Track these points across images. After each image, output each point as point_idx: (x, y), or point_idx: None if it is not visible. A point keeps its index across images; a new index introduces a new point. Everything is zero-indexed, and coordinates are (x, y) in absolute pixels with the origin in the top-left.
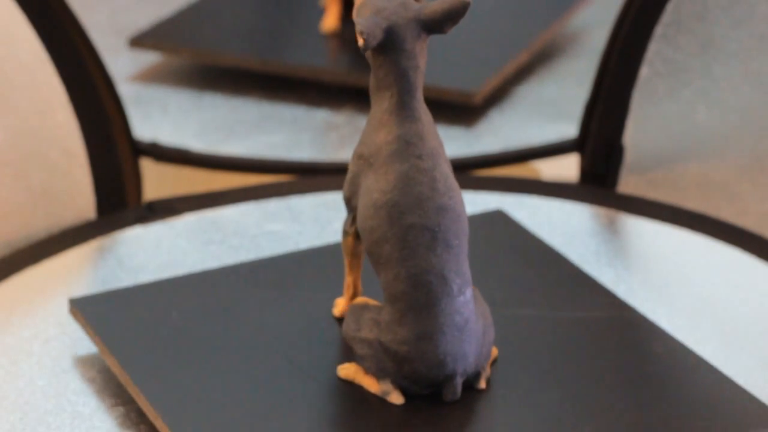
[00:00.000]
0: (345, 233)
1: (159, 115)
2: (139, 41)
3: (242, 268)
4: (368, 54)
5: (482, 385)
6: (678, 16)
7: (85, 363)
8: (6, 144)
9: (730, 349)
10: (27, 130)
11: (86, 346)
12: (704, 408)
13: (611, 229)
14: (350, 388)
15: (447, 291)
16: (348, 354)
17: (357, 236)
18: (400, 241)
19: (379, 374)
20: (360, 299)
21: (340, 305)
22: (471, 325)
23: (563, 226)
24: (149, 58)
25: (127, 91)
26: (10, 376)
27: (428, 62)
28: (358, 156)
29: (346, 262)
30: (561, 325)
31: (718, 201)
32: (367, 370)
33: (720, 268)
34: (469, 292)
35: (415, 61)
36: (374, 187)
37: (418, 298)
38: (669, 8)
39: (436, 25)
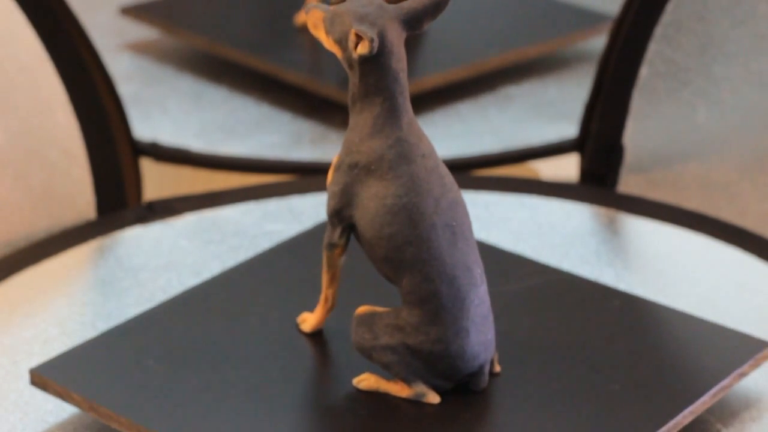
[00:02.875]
0: (332, 246)
1: (159, 114)
2: (129, 11)
3: (188, 296)
4: (352, 62)
5: (497, 368)
6: (678, 16)
7: None
8: (6, 144)
9: None
10: (27, 130)
11: None
12: (701, 349)
13: (611, 229)
14: (371, 397)
15: (473, 282)
16: (355, 364)
17: (345, 248)
18: (425, 241)
19: (409, 378)
20: (364, 308)
21: (310, 320)
22: (490, 311)
23: (563, 226)
24: (148, 57)
25: (126, 90)
26: (10, 376)
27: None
28: (350, 166)
29: (327, 275)
30: (512, 297)
31: (718, 201)
32: (395, 376)
33: (720, 268)
34: (485, 279)
35: (403, 63)
36: (384, 193)
37: (451, 294)
38: (669, 8)
39: (416, 22)
